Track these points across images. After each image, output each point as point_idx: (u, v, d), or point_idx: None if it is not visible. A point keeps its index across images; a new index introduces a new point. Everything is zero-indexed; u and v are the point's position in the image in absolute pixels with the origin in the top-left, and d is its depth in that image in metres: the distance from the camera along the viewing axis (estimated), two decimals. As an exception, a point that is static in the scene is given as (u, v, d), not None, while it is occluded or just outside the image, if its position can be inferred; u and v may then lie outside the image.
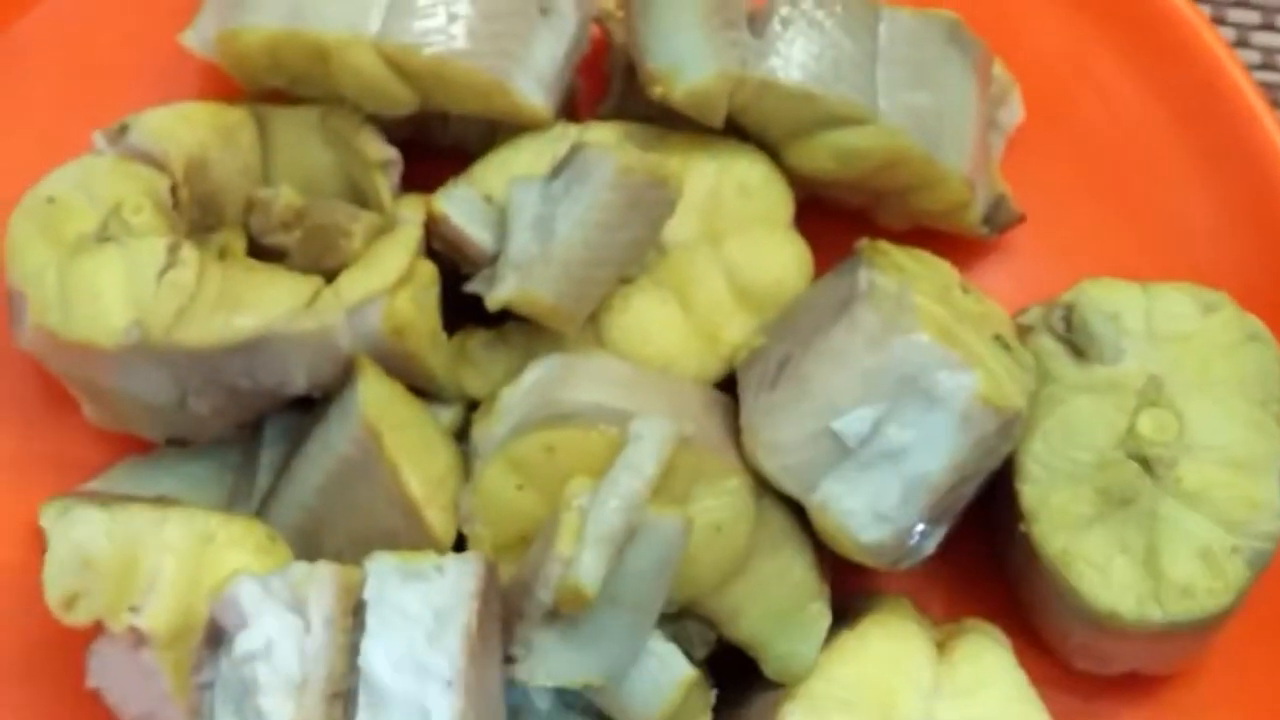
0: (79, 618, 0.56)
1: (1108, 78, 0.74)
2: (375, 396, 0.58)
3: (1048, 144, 0.74)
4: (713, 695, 0.61)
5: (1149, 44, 0.73)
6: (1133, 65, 0.73)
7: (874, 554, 0.58)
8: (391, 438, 0.58)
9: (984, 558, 0.67)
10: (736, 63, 0.62)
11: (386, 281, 0.59)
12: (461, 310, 0.64)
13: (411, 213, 0.62)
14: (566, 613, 0.53)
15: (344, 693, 0.52)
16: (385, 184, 0.64)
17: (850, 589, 0.64)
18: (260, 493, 0.62)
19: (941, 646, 0.61)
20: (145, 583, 0.56)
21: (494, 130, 0.67)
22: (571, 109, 0.70)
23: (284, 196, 0.62)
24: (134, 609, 0.55)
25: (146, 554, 0.56)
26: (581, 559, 0.52)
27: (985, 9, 0.71)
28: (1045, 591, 0.62)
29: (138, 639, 0.55)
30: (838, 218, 0.70)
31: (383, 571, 0.52)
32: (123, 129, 0.62)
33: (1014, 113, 0.74)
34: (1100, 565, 0.60)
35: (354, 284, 0.60)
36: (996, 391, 0.57)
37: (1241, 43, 0.83)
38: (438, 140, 0.70)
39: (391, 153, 0.64)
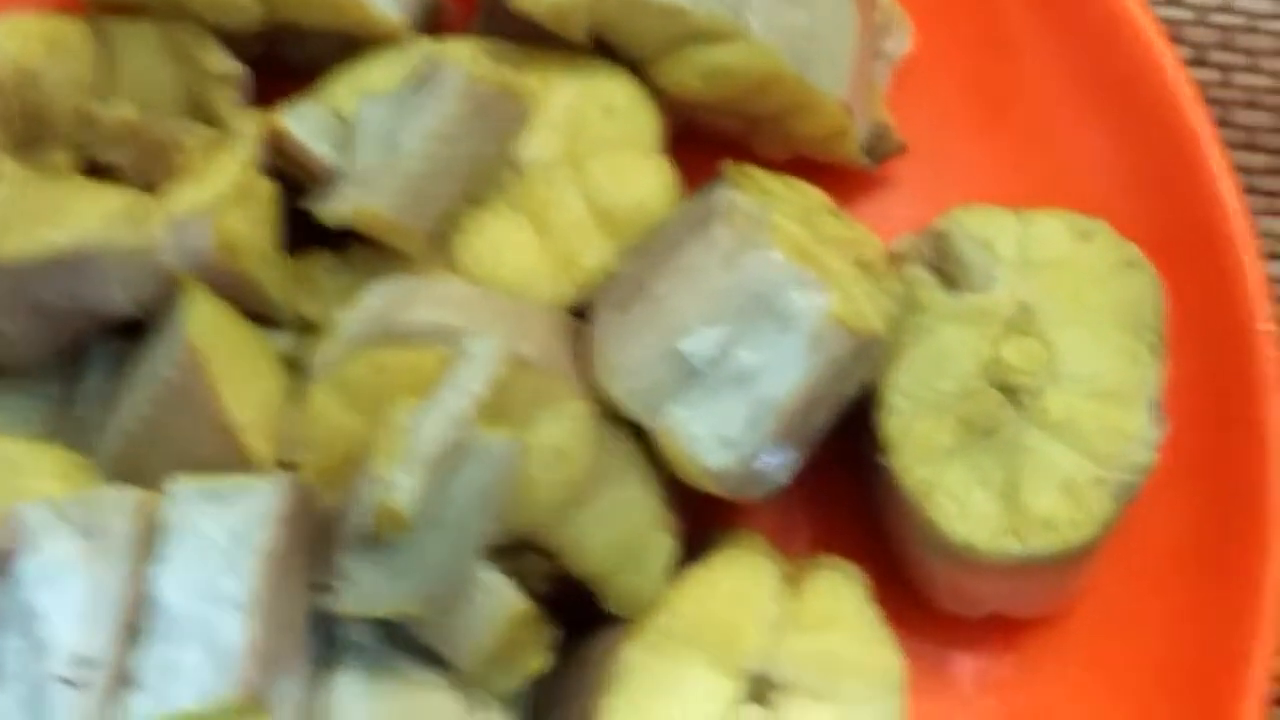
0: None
1: (993, 6, 0.71)
2: (200, 318, 0.56)
3: (935, 75, 0.72)
4: (555, 635, 0.58)
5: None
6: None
7: (719, 480, 0.56)
8: (215, 361, 0.56)
9: (853, 495, 0.65)
10: (596, -26, 0.60)
11: (215, 195, 0.57)
12: (309, 234, 0.61)
13: (250, 127, 0.59)
14: (384, 538, 0.51)
15: (139, 622, 0.50)
16: (226, 98, 0.61)
17: (711, 525, 0.62)
18: (79, 422, 0.59)
19: (792, 581, 0.59)
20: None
21: (352, 47, 0.65)
22: (436, 28, 0.67)
23: (117, 110, 0.59)
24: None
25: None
26: (397, 479, 0.50)
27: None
28: (906, 526, 0.60)
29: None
30: (716, 148, 0.67)
31: (183, 494, 0.50)
32: (-59, 36, 0.60)
33: (900, 43, 0.71)
34: (959, 497, 0.58)
35: (180, 197, 0.57)
36: (852, 312, 0.55)
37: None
38: (294, 59, 0.67)
39: (235, 66, 0.62)
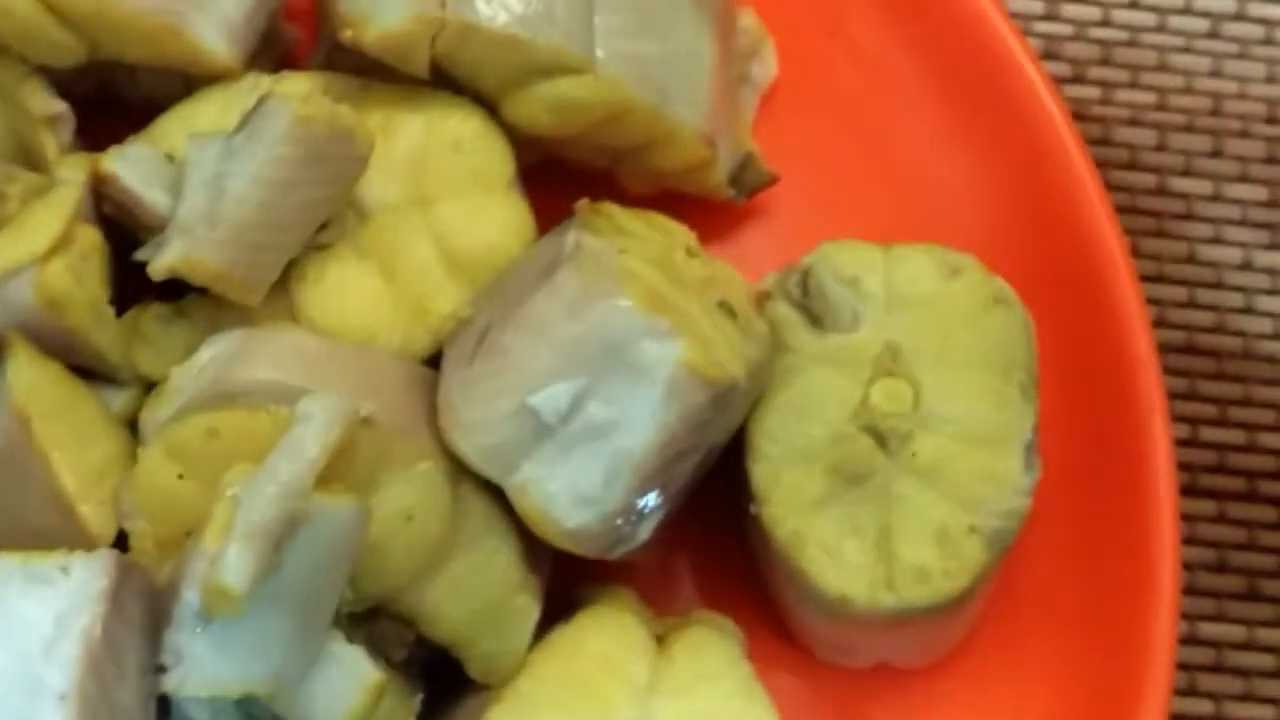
0: None
1: (863, 30, 0.69)
2: (26, 379, 0.52)
3: (804, 102, 0.69)
4: (417, 700, 0.55)
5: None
6: (889, 17, 0.68)
7: (579, 540, 0.53)
8: (43, 425, 0.52)
9: (731, 545, 0.62)
10: (436, 5, 0.57)
11: (37, 248, 0.53)
12: (145, 284, 0.58)
13: (73, 173, 0.56)
14: (216, 616, 0.48)
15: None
16: (52, 141, 0.58)
17: (586, 578, 0.59)
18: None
19: (662, 640, 0.56)
20: None
21: (189, 85, 0.61)
22: (279, 62, 0.64)
23: (-69, 156, 0.55)
24: None
25: None
26: (227, 555, 0.47)
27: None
28: (781, 578, 0.58)
29: None
30: (579, 183, 0.64)
31: (3, 575, 0.46)
32: None
33: (767, 68, 0.69)
34: (831, 548, 0.56)
35: (0, 251, 0.53)
36: (706, 360, 0.52)
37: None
38: (128, 96, 0.63)
39: (59, 106, 0.58)
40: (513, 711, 0.54)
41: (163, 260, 0.53)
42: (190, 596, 0.48)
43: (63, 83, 0.61)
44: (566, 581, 0.59)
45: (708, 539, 0.62)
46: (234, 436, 0.51)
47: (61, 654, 0.45)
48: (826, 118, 0.69)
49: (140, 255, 0.55)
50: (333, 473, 0.50)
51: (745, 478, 0.57)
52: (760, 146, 0.67)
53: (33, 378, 0.52)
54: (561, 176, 0.64)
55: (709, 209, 0.66)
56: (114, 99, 0.63)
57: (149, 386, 0.57)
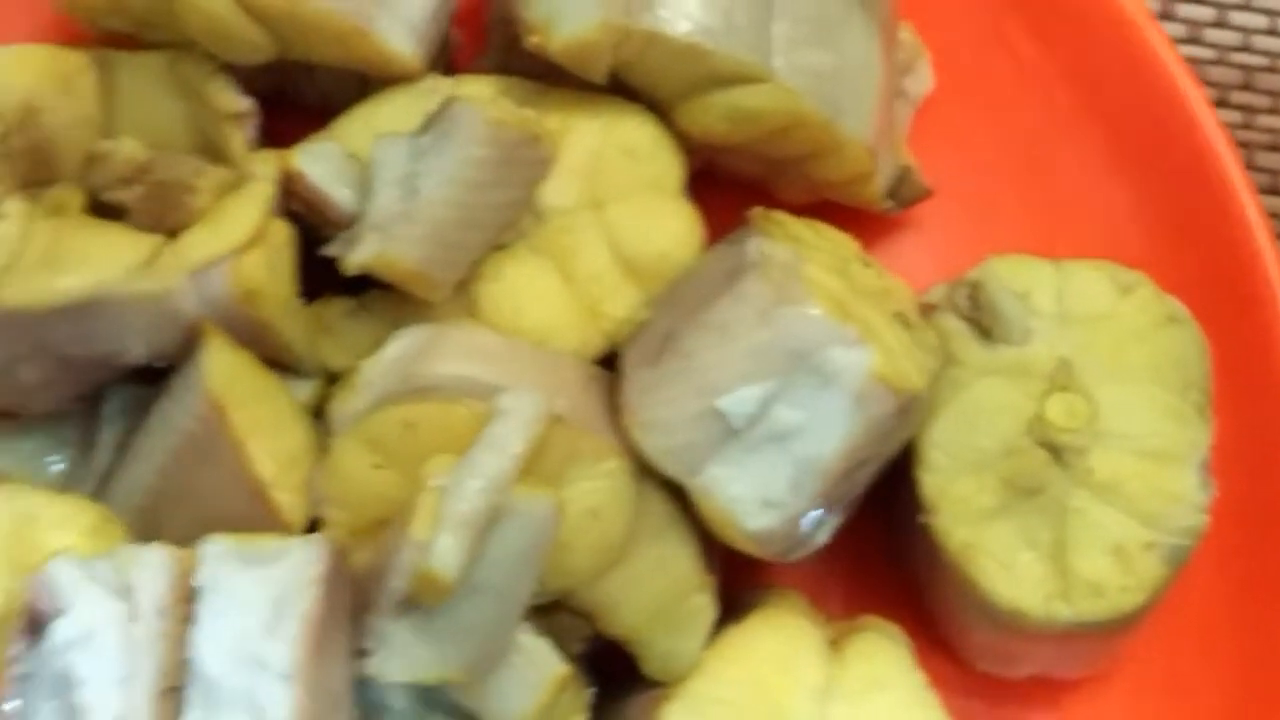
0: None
1: (1022, 46, 0.69)
2: (221, 368, 0.53)
3: (959, 116, 0.70)
4: (589, 694, 0.56)
5: (1064, 11, 0.69)
6: (1047, 33, 0.69)
7: (761, 543, 0.54)
8: (238, 413, 0.53)
9: (885, 552, 0.63)
10: (620, 13, 0.57)
11: (234, 241, 0.54)
12: (323, 278, 0.58)
13: (265, 168, 0.57)
14: (423, 603, 0.48)
15: (179, 688, 0.47)
16: (238, 137, 0.58)
17: (741, 583, 0.60)
18: (98, 472, 0.56)
19: (835, 645, 0.57)
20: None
21: (365, 85, 0.62)
22: (448, 64, 0.65)
23: (125, 149, 0.56)
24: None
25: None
26: (438, 544, 0.47)
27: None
28: (947, 588, 0.58)
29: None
30: (734, 191, 0.65)
31: (218, 555, 0.47)
32: (-55, 72, 0.57)
33: (923, 81, 0.70)
34: (1005, 560, 0.56)
35: (198, 243, 0.54)
36: (894, 370, 0.53)
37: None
38: (305, 96, 0.64)
39: (246, 103, 0.59)
40: (687, 710, 0.55)
41: (358, 256, 0.54)
42: (396, 583, 0.48)
43: (241, 81, 0.62)
44: (726, 585, 0.59)
45: (856, 544, 0.62)
46: (430, 429, 0.52)
47: (284, 633, 0.45)
48: (980, 132, 0.70)
49: (329, 251, 0.56)
50: (524, 469, 0.51)
51: (914, 487, 0.58)
52: (915, 159, 0.68)
53: (228, 366, 0.53)
54: (715, 185, 0.64)
55: (862, 220, 0.67)
56: (289, 99, 0.64)
57: (330, 379, 0.58)
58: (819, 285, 0.53)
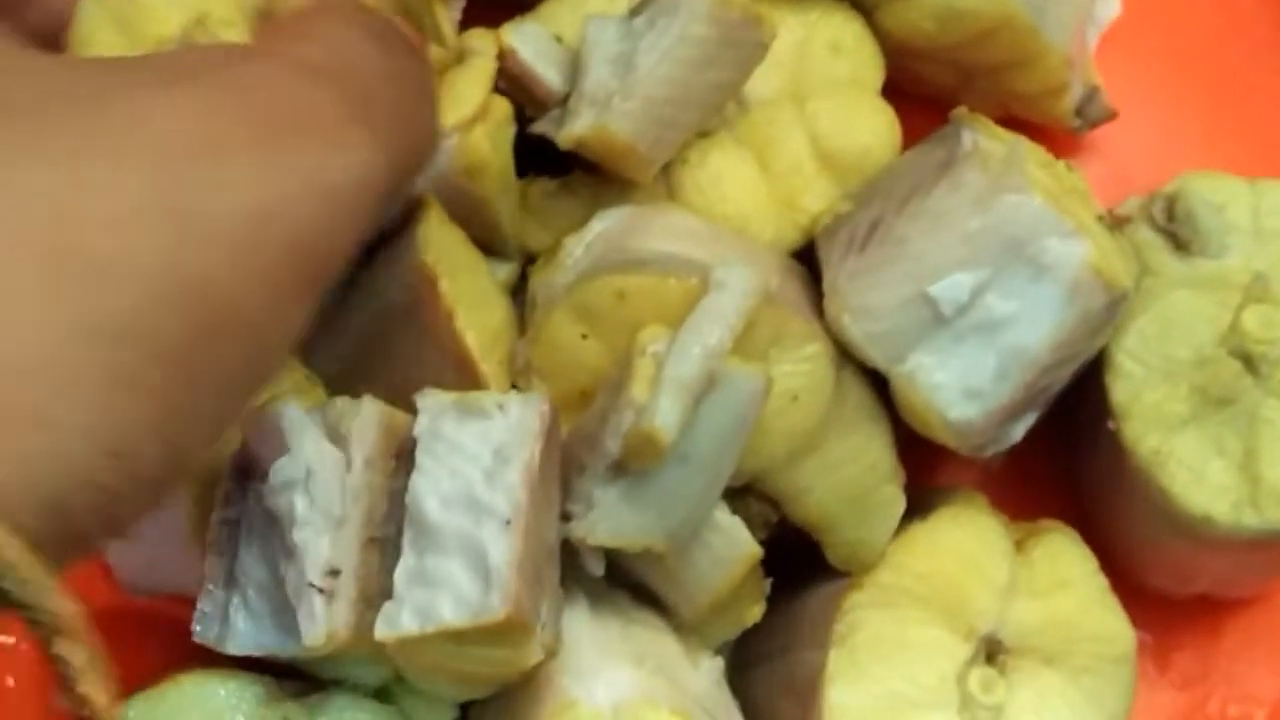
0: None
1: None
2: (436, 239, 0.53)
3: (1144, 39, 0.70)
4: (767, 585, 0.56)
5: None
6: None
7: (960, 434, 0.54)
8: (449, 283, 0.53)
9: (1050, 461, 0.63)
10: (841, -95, 0.58)
11: (461, 116, 0.54)
12: (523, 159, 0.59)
13: (484, 44, 0.57)
14: (635, 466, 0.49)
15: (380, 539, 0.48)
16: (446, 16, 0.59)
17: (916, 484, 0.60)
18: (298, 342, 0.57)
19: (1019, 545, 0.57)
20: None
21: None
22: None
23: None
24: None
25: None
26: (658, 404, 0.48)
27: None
28: (1131, 496, 0.58)
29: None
30: (919, 106, 0.65)
31: (437, 408, 0.48)
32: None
33: (1111, 7, 0.69)
34: (1195, 467, 0.56)
35: (425, 114, 0.54)
36: (1107, 265, 0.53)
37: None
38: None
39: (456, -18, 0.59)
40: (873, 601, 0.55)
41: (573, 130, 0.54)
42: (610, 444, 0.48)
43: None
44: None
45: (1026, 454, 0.62)
46: (641, 300, 0.52)
47: (505, 481, 0.46)
48: (1163, 55, 0.70)
49: (538, 128, 0.56)
50: (733, 345, 0.51)
51: (1103, 394, 0.58)
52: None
53: (442, 238, 0.53)
54: (901, 98, 0.64)
55: (1047, 140, 0.66)
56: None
57: (526, 261, 0.58)
58: (1035, 176, 0.53)
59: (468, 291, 0.54)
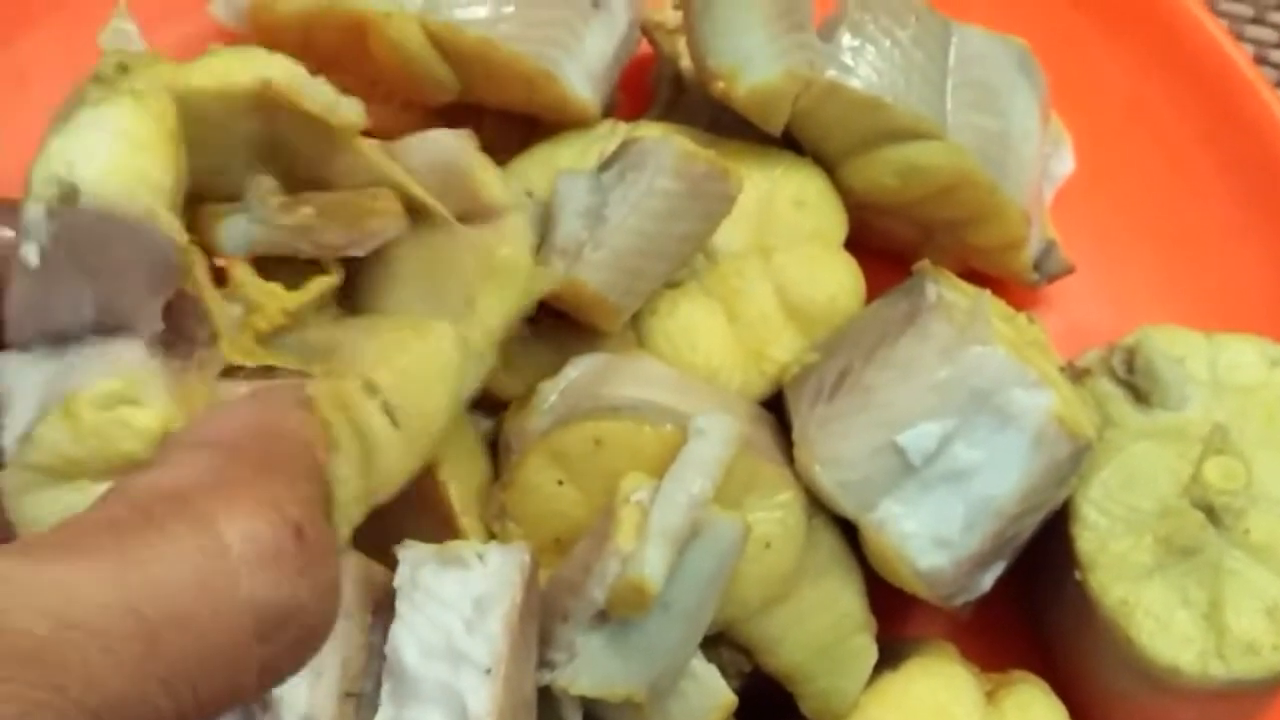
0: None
1: (1164, 126, 0.71)
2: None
3: (1098, 194, 0.71)
4: (741, 729, 0.56)
5: (1205, 95, 0.71)
6: (1187, 115, 0.71)
7: (930, 583, 0.54)
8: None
9: (1020, 612, 0.63)
10: (804, 64, 0.59)
11: None
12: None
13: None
14: (618, 615, 0.49)
15: (357, 694, 0.47)
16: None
17: (886, 634, 0.60)
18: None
19: (990, 696, 0.57)
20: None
21: (529, 134, 0.64)
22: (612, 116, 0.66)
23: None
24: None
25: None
26: (646, 554, 0.48)
27: (1041, 52, 0.68)
28: (1099, 647, 0.58)
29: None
30: (881, 260, 0.66)
31: (417, 558, 0.48)
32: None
33: (1065, 164, 0.72)
34: (1161, 617, 0.56)
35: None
36: (1071, 415, 0.54)
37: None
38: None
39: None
40: (846, 751, 0.55)
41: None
42: (596, 593, 0.48)
43: (412, 128, 0.63)
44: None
45: (996, 604, 0.62)
46: (617, 447, 0.52)
47: (485, 630, 0.45)
48: (1118, 210, 0.72)
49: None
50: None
51: (1069, 544, 0.58)
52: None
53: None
54: (863, 252, 0.65)
55: (1005, 294, 0.68)
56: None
57: (497, 407, 0.59)
58: (999, 329, 0.54)
59: (452, 446, 0.54)
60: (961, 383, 0.53)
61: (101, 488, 0.40)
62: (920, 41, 0.61)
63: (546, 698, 0.51)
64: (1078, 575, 0.58)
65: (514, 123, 0.64)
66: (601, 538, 0.49)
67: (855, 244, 0.64)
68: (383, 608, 0.48)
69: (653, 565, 0.47)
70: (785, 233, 0.61)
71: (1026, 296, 0.70)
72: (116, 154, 0.43)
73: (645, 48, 0.67)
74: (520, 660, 0.46)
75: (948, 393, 0.53)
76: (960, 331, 0.54)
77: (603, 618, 0.49)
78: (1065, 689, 0.61)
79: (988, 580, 0.55)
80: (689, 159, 0.55)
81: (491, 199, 0.50)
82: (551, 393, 0.55)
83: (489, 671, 0.45)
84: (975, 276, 0.66)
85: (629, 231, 0.55)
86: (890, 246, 0.67)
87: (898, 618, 0.61)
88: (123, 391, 0.42)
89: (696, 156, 0.56)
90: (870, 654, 0.56)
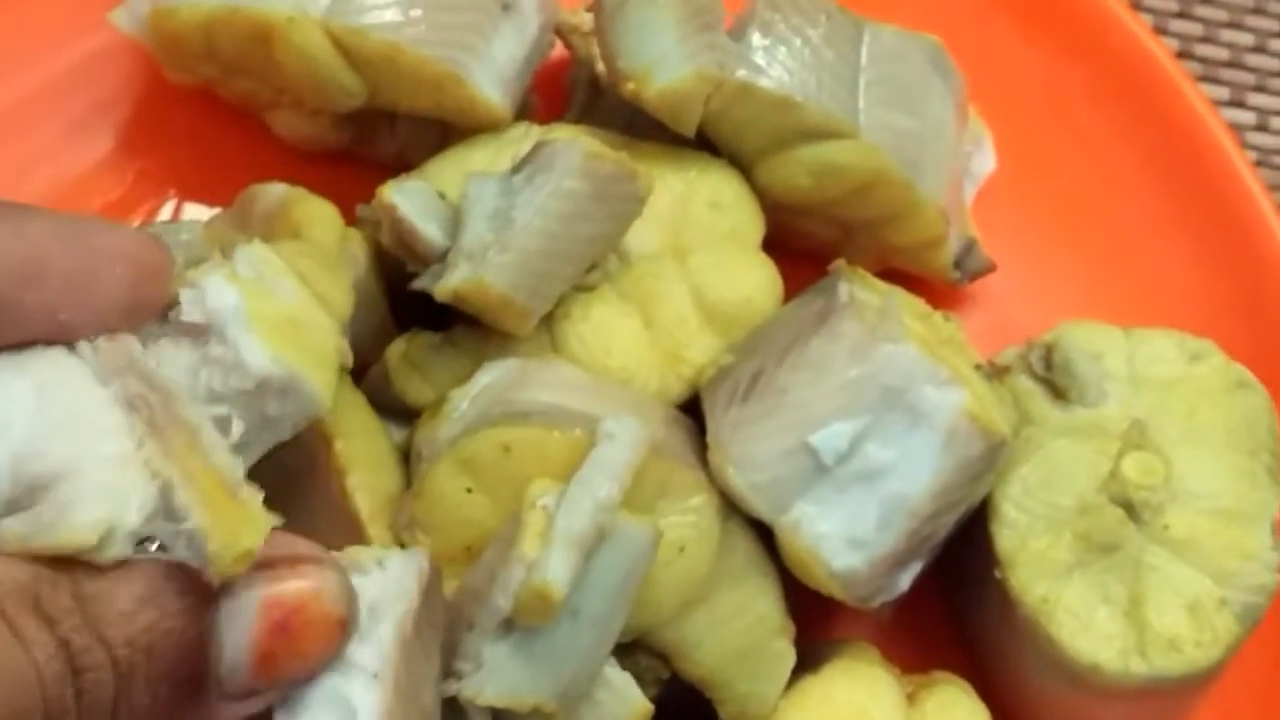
0: None
1: (1085, 124, 0.71)
2: (336, 400, 0.52)
3: (1019, 192, 0.71)
4: (661, 736, 0.55)
5: (1126, 90, 0.71)
6: (1108, 112, 0.71)
7: (845, 583, 0.54)
8: (343, 444, 0.53)
9: (942, 612, 0.63)
10: (715, 65, 0.59)
11: None
12: (409, 315, 0.59)
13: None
14: (524, 623, 0.48)
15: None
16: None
17: (807, 638, 0.59)
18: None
19: (911, 698, 0.57)
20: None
21: (443, 140, 0.63)
22: (526, 120, 0.66)
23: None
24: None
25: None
26: (549, 560, 0.47)
27: (961, 51, 0.68)
28: (1018, 645, 0.58)
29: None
30: (800, 260, 0.65)
31: (314, 565, 0.47)
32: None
33: (986, 161, 0.71)
34: (1082, 615, 0.56)
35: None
36: (983, 412, 0.53)
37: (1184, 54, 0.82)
38: (383, 149, 0.65)
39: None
40: (766, 756, 0.54)
41: (449, 283, 0.54)
42: (500, 601, 0.48)
43: (322, 133, 0.63)
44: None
45: (917, 605, 0.62)
46: (526, 453, 0.52)
47: (376, 637, 0.45)
48: (1038, 206, 0.71)
49: (418, 285, 0.56)
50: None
51: (989, 543, 0.58)
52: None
53: (342, 400, 0.53)
54: (783, 254, 0.65)
55: (926, 294, 0.67)
56: (367, 157, 0.65)
57: (408, 415, 0.58)
58: (911, 327, 0.54)
59: (363, 453, 0.54)
60: (872, 381, 0.53)
61: None
62: (831, 40, 0.60)
63: (455, 709, 0.50)
64: (998, 574, 0.57)
65: (428, 126, 0.64)
66: (507, 544, 0.48)
67: (775, 245, 0.64)
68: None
69: (556, 571, 0.47)
70: (701, 234, 0.60)
71: (950, 295, 0.69)
72: None
73: (564, 51, 0.66)
74: (416, 668, 0.45)
75: (859, 392, 0.53)
76: (871, 330, 0.53)
77: (509, 626, 0.48)
78: (989, 689, 0.60)
79: (905, 580, 0.55)
80: (595, 160, 0.55)
81: None
82: (462, 400, 0.54)
83: (376, 676, 0.44)
84: (897, 276, 0.66)
85: (535, 233, 0.55)
86: (810, 247, 0.66)
87: (822, 620, 0.60)
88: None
89: (603, 157, 0.55)
90: (788, 658, 0.55)
